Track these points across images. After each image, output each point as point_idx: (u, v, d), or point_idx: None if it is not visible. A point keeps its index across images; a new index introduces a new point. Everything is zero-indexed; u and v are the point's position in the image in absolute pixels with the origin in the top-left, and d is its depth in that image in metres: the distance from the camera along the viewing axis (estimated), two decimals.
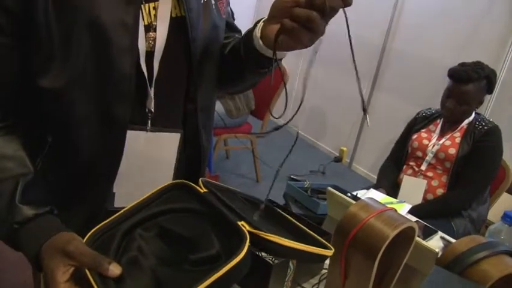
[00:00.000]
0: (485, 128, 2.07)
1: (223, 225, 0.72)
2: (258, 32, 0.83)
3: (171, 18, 0.84)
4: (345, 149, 4.28)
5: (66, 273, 0.64)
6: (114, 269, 0.63)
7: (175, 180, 0.84)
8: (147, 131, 0.87)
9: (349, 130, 4.31)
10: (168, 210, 0.78)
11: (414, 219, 1.60)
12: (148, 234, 0.73)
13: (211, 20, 0.92)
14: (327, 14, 0.69)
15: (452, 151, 2.08)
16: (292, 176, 3.83)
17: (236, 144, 3.74)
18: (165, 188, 0.81)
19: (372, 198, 1.00)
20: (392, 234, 0.89)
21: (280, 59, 0.86)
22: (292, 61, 4.90)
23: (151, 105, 0.86)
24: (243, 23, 1.09)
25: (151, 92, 0.85)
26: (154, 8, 0.81)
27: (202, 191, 0.81)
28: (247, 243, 0.66)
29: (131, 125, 0.84)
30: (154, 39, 0.82)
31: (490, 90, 2.11)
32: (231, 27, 1.05)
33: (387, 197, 1.74)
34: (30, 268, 0.81)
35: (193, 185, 0.82)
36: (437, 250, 0.98)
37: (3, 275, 2.14)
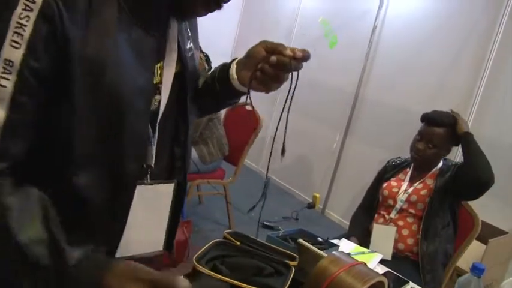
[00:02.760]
0: (458, 164, 2.14)
1: (267, 259, 1.10)
2: (234, 74, 0.96)
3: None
4: (317, 195, 4.29)
5: None
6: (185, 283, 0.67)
7: (216, 240, 1.12)
8: (146, 184, 0.90)
9: (322, 176, 4.35)
10: (222, 256, 1.08)
11: (385, 269, 1.60)
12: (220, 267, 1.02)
13: (196, 72, 0.98)
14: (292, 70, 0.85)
15: (425, 192, 2.11)
16: (265, 223, 3.81)
17: (209, 189, 3.71)
18: (213, 243, 1.12)
19: (342, 252, 1.01)
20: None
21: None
22: (266, 108, 4.97)
23: (152, 161, 0.90)
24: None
25: (154, 149, 0.89)
26: (160, 67, 0.85)
27: (237, 243, 1.16)
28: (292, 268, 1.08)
29: (138, 181, 0.89)
30: (159, 101, 0.86)
31: (457, 142, 2.17)
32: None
33: (358, 247, 1.74)
34: None
35: (230, 238, 1.16)
36: None
37: None
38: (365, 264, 0.98)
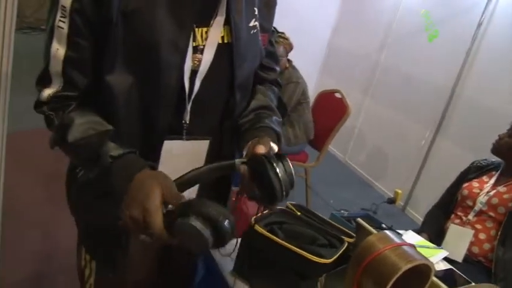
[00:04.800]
0: None
1: (324, 232, 1.19)
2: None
3: (221, 43, 0.95)
4: (399, 191, 4.20)
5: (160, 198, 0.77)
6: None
7: (278, 207, 1.22)
8: (182, 139, 0.99)
9: (407, 173, 4.25)
10: (281, 222, 1.19)
11: (448, 266, 1.59)
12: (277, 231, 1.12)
13: (257, 50, 1.03)
14: None
15: (508, 196, 2.03)
16: (342, 211, 3.83)
17: None
18: (273, 211, 1.24)
19: (394, 232, 1.04)
20: (404, 267, 0.93)
21: None
22: (357, 97, 4.93)
23: (187, 117, 0.98)
24: None
25: (189, 106, 0.96)
26: (206, 32, 0.93)
27: (298, 213, 1.27)
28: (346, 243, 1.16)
29: (169, 136, 0.97)
30: (200, 60, 0.94)
31: None
32: (271, 55, 1.18)
33: (424, 240, 1.74)
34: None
35: (292, 208, 1.29)
36: None
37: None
38: (414, 246, 1.01)
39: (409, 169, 4.23)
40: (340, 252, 1.10)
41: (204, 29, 0.94)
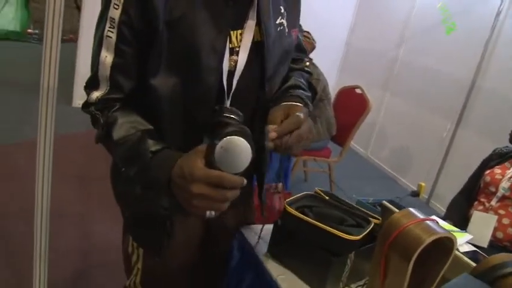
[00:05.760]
0: None
1: (351, 214, 1.27)
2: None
3: (252, 42, 1.04)
4: (423, 184, 4.24)
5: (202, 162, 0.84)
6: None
7: (307, 192, 1.33)
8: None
9: (429, 166, 4.28)
10: (311, 206, 1.26)
11: (473, 249, 1.64)
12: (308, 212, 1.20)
13: (284, 45, 1.11)
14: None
15: None
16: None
17: (314, 167, 3.88)
18: (304, 194, 1.33)
19: (415, 209, 1.11)
20: (428, 239, 1.00)
21: None
22: (377, 93, 4.98)
23: None
24: None
25: (228, 103, 1.05)
26: (240, 34, 1.03)
27: (326, 198, 1.35)
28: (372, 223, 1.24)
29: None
30: (236, 61, 1.03)
31: None
32: (300, 48, 1.26)
33: (448, 224, 1.79)
34: None
35: (321, 193, 1.37)
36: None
37: None
38: (436, 222, 1.08)
39: (432, 162, 4.26)
40: (368, 230, 1.17)
41: (239, 32, 1.02)
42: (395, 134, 4.84)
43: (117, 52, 0.98)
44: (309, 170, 4.16)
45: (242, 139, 0.81)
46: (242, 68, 1.04)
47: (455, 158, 4.08)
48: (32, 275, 1.72)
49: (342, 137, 3.66)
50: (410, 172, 4.59)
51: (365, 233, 1.16)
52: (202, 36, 0.97)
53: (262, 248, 1.31)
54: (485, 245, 2.03)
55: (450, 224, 2.03)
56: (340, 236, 1.11)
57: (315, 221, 1.15)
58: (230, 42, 1.02)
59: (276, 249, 1.27)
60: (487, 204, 2.21)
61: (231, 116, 0.97)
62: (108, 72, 0.99)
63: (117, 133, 0.97)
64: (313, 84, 1.31)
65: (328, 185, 3.76)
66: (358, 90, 3.70)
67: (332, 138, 3.71)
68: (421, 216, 1.08)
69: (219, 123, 0.96)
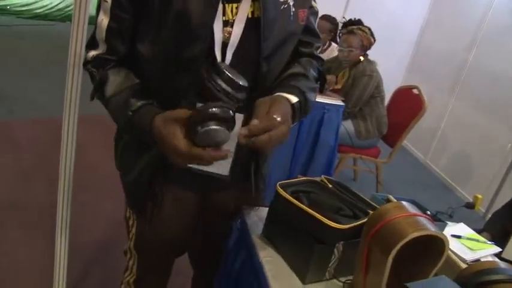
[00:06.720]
0: None
1: (350, 204, 1.20)
2: None
3: (251, 18, 1.02)
4: (480, 196, 3.97)
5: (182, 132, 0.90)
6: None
7: (308, 178, 1.28)
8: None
9: (489, 177, 4.00)
10: (308, 191, 1.21)
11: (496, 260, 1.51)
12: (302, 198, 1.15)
13: (287, 26, 1.07)
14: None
15: None
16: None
17: (361, 166, 3.75)
18: (305, 180, 1.28)
19: (411, 204, 1.03)
20: (411, 235, 0.93)
21: None
22: (442, 97, 4.73)
23: None
24: None
25: None
26: (236, 7, 1.01)
27: (330, 186, 1.28)
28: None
29: None
30: (230, 33, 1.02)
31: None
32: (310, 32, 1.21)
33: (475, 234, 1.66)
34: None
35: (325, 181, 1.30)
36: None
37: None
38: (431, 220, 1.00)
39: (493, 174, 3.99)
40: (360, 222, 1.11)
41: (234, 5, 1.01)
42: (457, 142, 4.57)
43: (112, 16, 1.02)
44: (352, 168, 4.04)
45: (221, 128, 0.89)
46: (237, 40, 1.03)
47: None
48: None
49: (393, 137, 3.51)
50: (469, 183, 4.32)
51: (356, 223, 1.10)
52: (192, 5, 0.97)
53: (259, 229, 1.28)
54: None
55: (486, 237, 1.88)
56: (326, 223, 1.06)
57: (302, 205, 1.10)
58: (224, 14, 1.01)
59: (269, 231, 1.24)
60: None
61: (223, 86, 0.97)
62: (103, 34, 1.04)
63: (108, 91, 1.03)
64: (323, 72, 1.25)
65: (375, 185, 3.63)
66: (415, 91, 3.53)
67: (383, 137, 3.57)
68: (414, 210, 1.01)
69: (208, 92, 0.97)
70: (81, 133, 1.69)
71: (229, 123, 0.90)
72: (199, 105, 0.92)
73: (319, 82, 1.24)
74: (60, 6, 7.45)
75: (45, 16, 7.37)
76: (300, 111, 1.07)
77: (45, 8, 7.37)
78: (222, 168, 0.97)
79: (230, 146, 0.94)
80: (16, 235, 2.40)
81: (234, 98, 0.97)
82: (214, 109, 0.88)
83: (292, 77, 1.14)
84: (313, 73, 1.20)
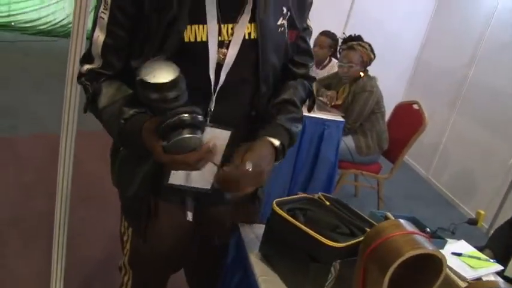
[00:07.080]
0: None
1: (347, 222, 1.18)
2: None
3: (248, 39, 1.03)
4: (482, 212, 3.94)
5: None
6: None
7: (305, 195, 1.28)
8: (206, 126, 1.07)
9: (492, 193, 3.97)
10: (305, 209, 1.19)
11: (499, 279, 1.49)
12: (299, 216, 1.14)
13: (283, 47, 1.10)
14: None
15: None
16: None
17: (362, 181, 3.73)
18: (302, 197, 1.28)
19: (408, 222, 1.02)
20: (408, 253, 0.92)
21: None
22: (444, 113, 4.73)
23: (212, 106, 1.07)
24: None
25: (214, 96, 1.06)
26: (232, 28, 1.02)
27: (327, 203, 1.25)
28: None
29: None
30: (225, 55, 1.02)
31: None
32: (304, 52, 1.23)
33: (476, 251, 1.64)
34: None
35: (322, 198, 1.28)
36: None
37: None
38: (429, 238, 0.99)
39: (496, 190, 3.97)
40: (358, 240, 1.09)
41: (230, 26, 1.02)
42: (459, 157, 4.55)
43: (108, 33, 1.02)
44: (352, 183, 4.02)
45: (187, 136, 0.86)
46: (232, 62, 1.04)
47: None
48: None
49: (394, 152, 3.49)
50: (472, 198, 4.29)
51: (352, 241, 1.08)
52: (185, 25, 0.98)
53: (256, 247, 1.27)
54: None
55: (488, 255, 1.86)
56: (321, 242, 1.04)
57: (297, 223, 1.09)
58: (220, 35, 1.02)
59: (266, 249, 1.23)
60: None
61: (149, 96, 0.87)
62: (99, 50, 1.04)
63: (101, 102, 1.03)
64: (313, 93, 1.28)
65: (376, 201, 3.61)
66: (415, 106, 3.53)
67: (384, 153, 3.56)
68: (410, 228, 1.00)
69: (152, 109, 0.96)
70: (80, 148, 1.70)
71: (193, 129, 0.87)
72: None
73: (308, 99, 1.28)
74: (64, 22, 7.53)
75: (49, 32, 7.44)
76: (283, 151, 1.11)
77: (49, 24, 7.46)
78: (203, 182, 1.00)
79: (215, 160, 0.96)
80: (16, 249, 2.39)
81: (168, 101, 0.85)
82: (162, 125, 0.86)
83: (282, 104, 1.16)
84: (302, 94, 1.22)
